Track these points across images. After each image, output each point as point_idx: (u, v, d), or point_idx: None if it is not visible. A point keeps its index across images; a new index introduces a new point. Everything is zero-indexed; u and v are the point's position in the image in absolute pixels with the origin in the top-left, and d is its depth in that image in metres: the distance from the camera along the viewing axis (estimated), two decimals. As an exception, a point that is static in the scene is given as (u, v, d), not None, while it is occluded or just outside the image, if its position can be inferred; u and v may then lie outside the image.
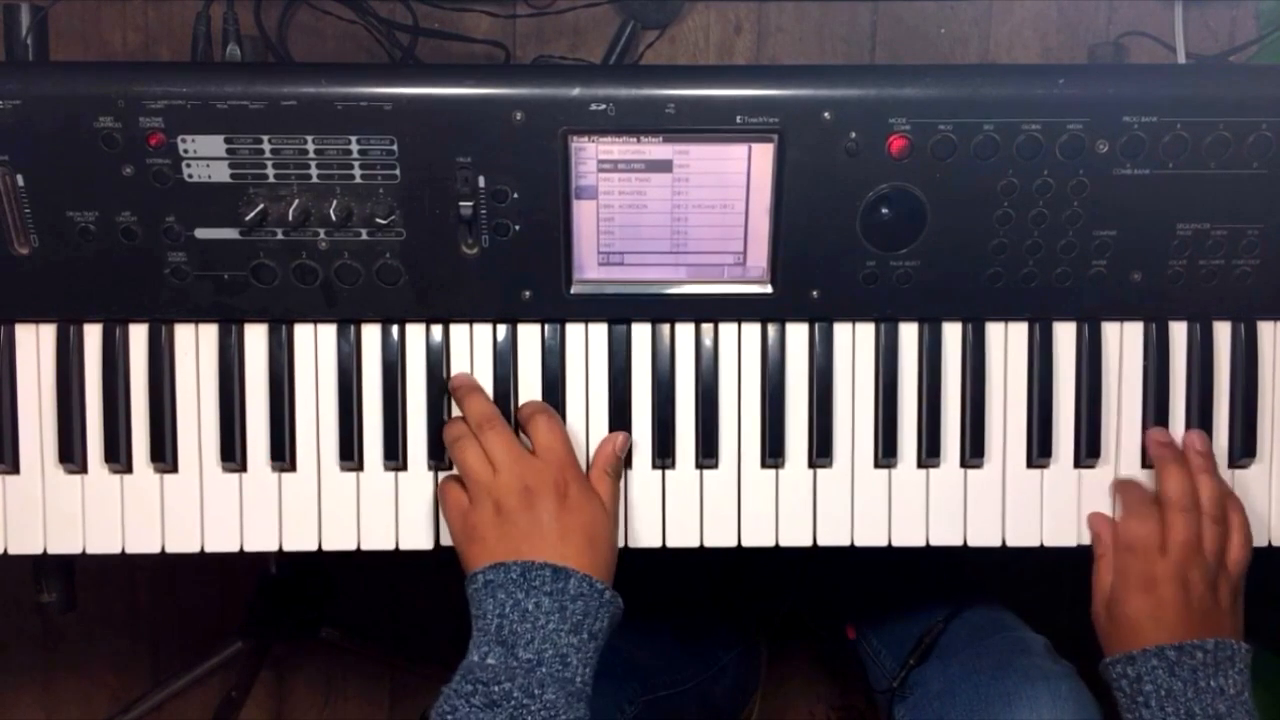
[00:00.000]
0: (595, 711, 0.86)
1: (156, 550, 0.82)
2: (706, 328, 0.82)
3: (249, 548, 0.82)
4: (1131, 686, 0.74)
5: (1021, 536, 0.83)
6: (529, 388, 0.82)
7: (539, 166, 0.76)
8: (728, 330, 0.82)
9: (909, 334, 0.82)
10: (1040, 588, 1.35)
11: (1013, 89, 0.75)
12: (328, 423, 0.82)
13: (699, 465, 0.83)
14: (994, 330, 0.83)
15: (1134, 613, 0.77)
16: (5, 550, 0.82)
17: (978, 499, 0.83)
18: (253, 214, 0.75)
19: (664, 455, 0.82)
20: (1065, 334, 0.83)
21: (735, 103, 0.75)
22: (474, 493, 0.76)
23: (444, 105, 0.74)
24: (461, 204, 0.76)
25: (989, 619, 0.97)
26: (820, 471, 0.83)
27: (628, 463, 0.82)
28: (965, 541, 0.83)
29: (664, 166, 0.77)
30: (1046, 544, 0.83)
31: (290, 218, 0.75)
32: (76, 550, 0.82)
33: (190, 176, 0.75)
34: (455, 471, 0.79)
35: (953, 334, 0.82)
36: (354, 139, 0.75)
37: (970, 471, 0.83)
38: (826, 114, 0.75)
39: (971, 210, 0.77)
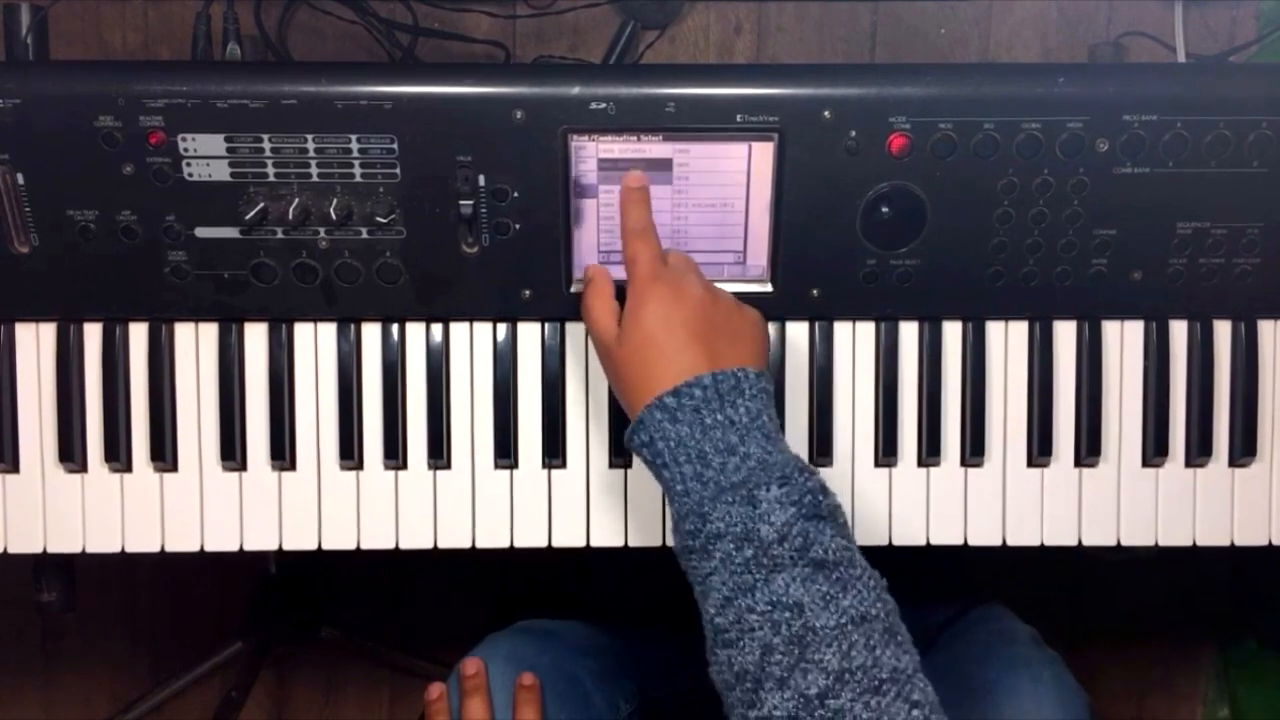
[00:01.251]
0: (594, 711, 0.86)
1: (156, 550, 0.82)
2: (707, 327, 0.82)
3: (249, 547, 0.82)
4: (649, 451, 0.68)
5: (1022, 536, 0.83)
6: (529, 387, 0.82)
7: (539, 165, 0.76)
8: (728, 329, 0.82)
9: (909, 333, 0.82)
10: (1034, 582, 1.36)
11: (1013, 88, 0.75)
12: (328, 422, 0.82)
13: (699, 464, 0.83)
14: (994, 329, 0.83)
15: (645, 325, 0.70)
16: (5, 549, 0.82)
17: (978, 498, 0.83)
18: (253, 213, 0.75)
19: (664, 454, 0.82)
20: (1065, 333, 0.83)
21: (735, 102, 0.75)
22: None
23: (444, 104, 0.74)
24: (462, 203, 0.76)
25: (979, 611, 0.97)
26: (820, 470, 0.82)
27: (628, 462, 0.82)
28: (965, 541, 0.83)
29: (664, 165, 0.77)
30: (1047, 543, 0.83)
31: (290, 217, 0.75)
32: (76, 549, 0.82)
33: (190, 175, 0.75)
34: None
35: (953, 333, 0.82)
36: (354, 138, 0.75)
37: (970, 470, 0.83)
38: (827, 113, 0.75)
39: (972, 209, 0.77)
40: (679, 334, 0.69)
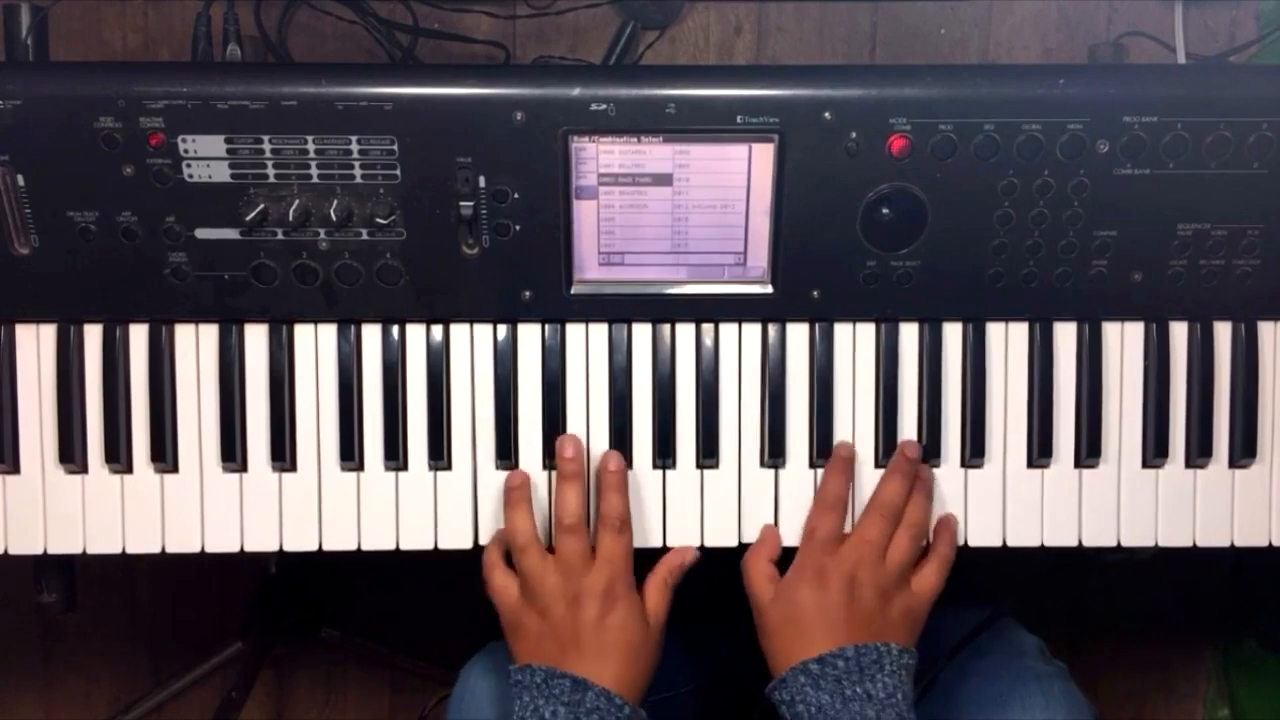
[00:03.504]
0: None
1: (157, 550, 0.82)
2: (707, 328, 0.82)
3: (249, 548, 0.82)
4: (789, 710, 0.73)
5: (1022, 537, 0.83)
6: (529, 388, 0.82)
7: (539, 166, 0.76)
8: (728, 330, 0.82)
9: (909, 334, 0.82)
10: (1034, 583, 1.36)
11: (1013, 89, 0.75)
12: (328, 423, 0.82)
13: (699, 465, 0.83)
14: (994, 330, 0.83)
15: (800, 602, 0.76)
16: (6, 550, 0.82)
17: (978, 499, 0.83)
18: (253, 214, 0.75)
19: (664, 455, 0.82)
20: (1066, 334, 0.83)
21: (736, 103, 0.75)
22: (527, 592, 0.78)
23: (445, 105, 0.74)
24: (462, 204, 0.76)
25: (985, 620, 0.96)
26: (821, 471, 0.83)
27: (629, 464, 0.82)
28: (966, 541, 0.83)
29: (664, 165, 0.77)
30: (1047, 544, 0.83)
31: (290, 218, 0.75)
32: (77, 550, 0.82)
33: (191, 176, 0.75)
34: (496, 542, 0.81)
35: (953, 334, 0.82)
36: (354, 139, 0.75)
37: (971, 471, 0.83)
38: (827, 114, 0.75)
39: (972, 210, 0.77)
40: (828, 619, 0.75)
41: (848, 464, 0.81)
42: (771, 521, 0.83)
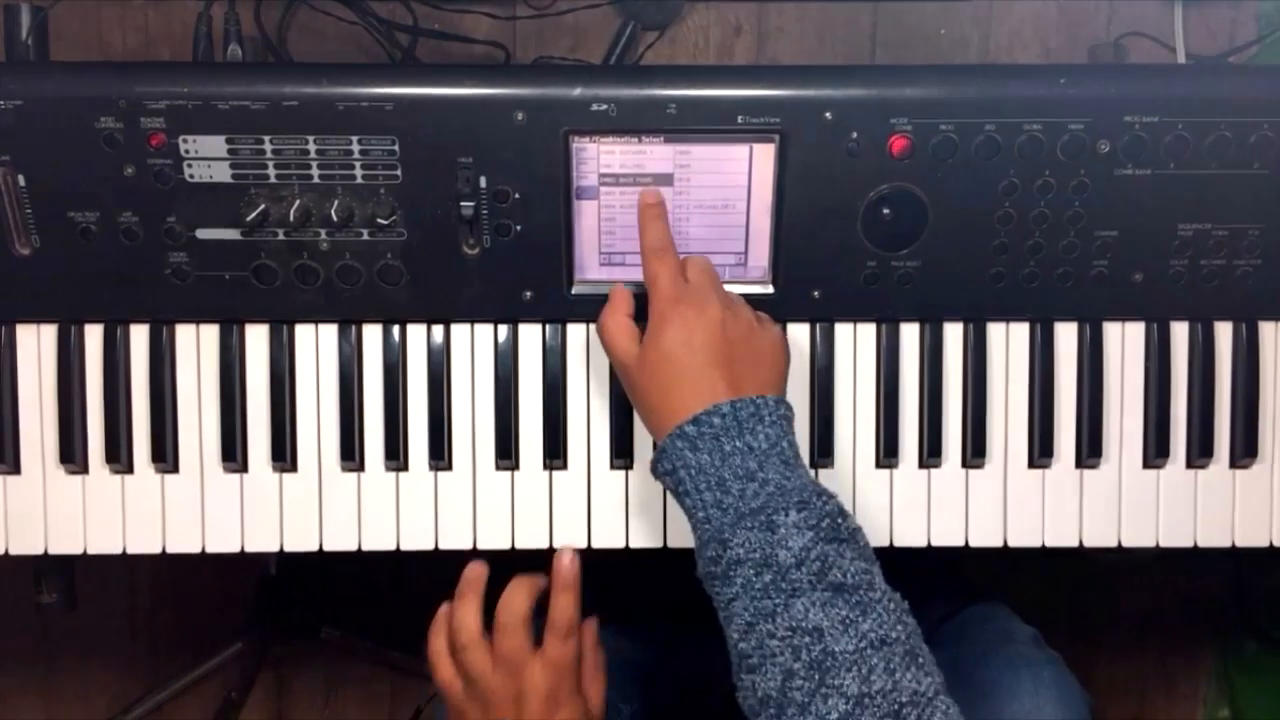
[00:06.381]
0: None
1: (157, 550, 0.82)
2: (708, 328, 0.82)
3: (250, 548, 0.82)
4: (672, 479, 0.68)
5: (1023, 537, 0.83)
6: (530, 389, 0.82)
7: (540, 167, 0.76)
8: (729, 330, 0.82)
9: (910, 334, 0.82)
10: (1035, 582, 1.36)
11: (1014, 89, 0.75)
12: (329, 423, 0.82)
13: (700, 465, 0.83)
14: (995, 330, 0.83)
15: (667, 350, 0.70)
16: (6, 550, 0.82)
17: (979, 499, 0.83)
18: (254, 214, 0.75)
19: (665, 455, 0.82)
20: (1066, 334, 0.83)
21: (736, 103, 0.75)
22: (470, 689, 0.74)
23: (445, 105, 0.74)
24: (463, 204, 0.76)
25: (980, 611, 0.97)
26: (821, 472, 0.83)
27: (629, 464, 0.82)
28: (967, 542, 0.83)
29: (665, 165, 0.77)
30: (1048, 544, 0.83)
31: (291, 218, 0.75)
32: (77, 551, 0.82)
33: (191, 177, 0.75)
34: (440, 631, 0.78)
35: (954, 334, 0.82)
36: (355, 139, 0.75)
37: (971, 472, 0.83)
38: (828, 114, 0.75)
39: (973, 210, 0.77)
40: (699, 358, 0.69)
41: (659, 209, 0.75)
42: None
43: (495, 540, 0.83)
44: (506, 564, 0.83)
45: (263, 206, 0.75)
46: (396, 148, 0.75)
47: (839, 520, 0.64)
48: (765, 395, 0.69)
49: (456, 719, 0.76)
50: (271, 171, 0.75)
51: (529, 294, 0.79)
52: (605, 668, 0.77)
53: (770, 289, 0.80)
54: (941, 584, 1.03)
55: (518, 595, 0.74)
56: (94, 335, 0.81)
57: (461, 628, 0.75)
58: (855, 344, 0.82)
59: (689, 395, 0.68)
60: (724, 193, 0.78)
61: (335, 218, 0.76)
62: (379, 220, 0.76)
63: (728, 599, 0.64)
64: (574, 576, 0.75)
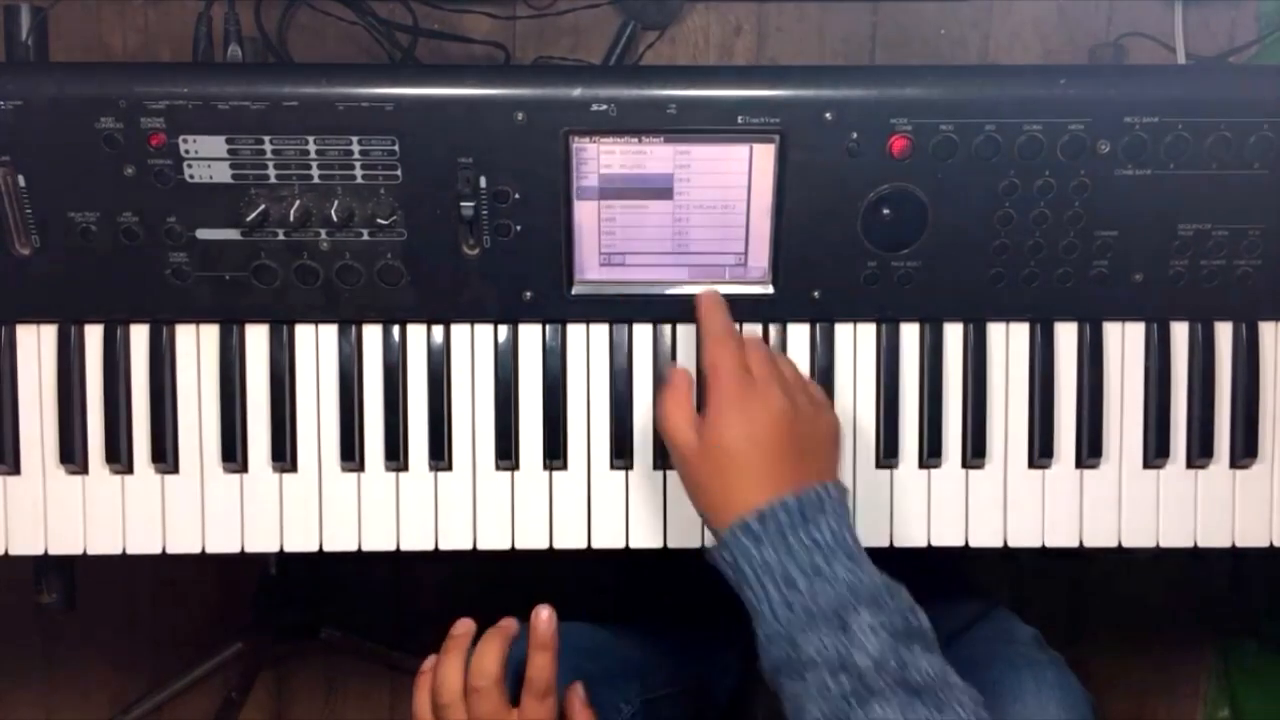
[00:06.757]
0: (597, 713, 0.86)
1: (157, 551, 0.82)
2: (708, 328, 0.82)
3: (250, 549, 0.82)
4: (733, 570, 0.68)
5: (1023, 537, 0.83)
6: (530, 389, 0.82)
7: (540, 167, 0.76)
8: (729, 331, 0.82)
9: (910, 334, 0.82)
10: (1035, 582, 1.36)
11: (1014, 89, 0.75)
12: (329, 423, 0.82)
13: (700, 466, 0.83)
14: (995, 331, 0.83)
15: (729, 443, 0.69)
16: (6, 551, 0.82)
17: (979, 499, 0.83)
18: (254, 214, 0.75)
19: (665, 456, 0.82)
20: (1067, 334, 0.83)
21: (737, 103, 0.75)
22: None
23: (446, 106, 0.74)
24: (463, 204, 0.76)
25: (979, 611, 0.97)
26: (821, 472, 0.83)
27: (629, 464, 0.82)
28: (967, 542, 0.83)
29: (665, 166, 0.77)
30: (1048, 545, 0.83)
31: (291, 218, 0.75)
32: (77, 551, 0.82)
33: (191, 177, 0.75)
34: (424, 688, 0.75)
35: (954, 334, 0.82)
36: (355, 139, 0.75)
37: (972, 472, 0.83)
38: (828, 114, 0.75)
39: (973, 211, 0.77)
40: (761, 451, 0.69)
41: (720, 298, 0.76)
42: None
43: (495, 541, 0.83)
44: (506, 564, 0.83)
45: (263, 207, 0.75)
46: (396, 148, 0.75)
47: (910, 618, 0.64)
48: (825, 483, 0.69)
49: None
50: (271, 172, 0.75)
51: (529, 294, 0.79)
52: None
53: (770, 289, 0.80)
54: (942, 585, 1.03)
55: (487, 657, 0.73)
56: (94, 335, 0.81)
57: (443, 686, 0.73)
58: (855, 344, 0.82)
59: (751, 488, 0.68)
60: (724, 193, 0.78)
61: (335, 218, 0.76)
62: (379, 220, 0.76)
63: (795, 693, 0.64)
64: (550, 635, 0.73)
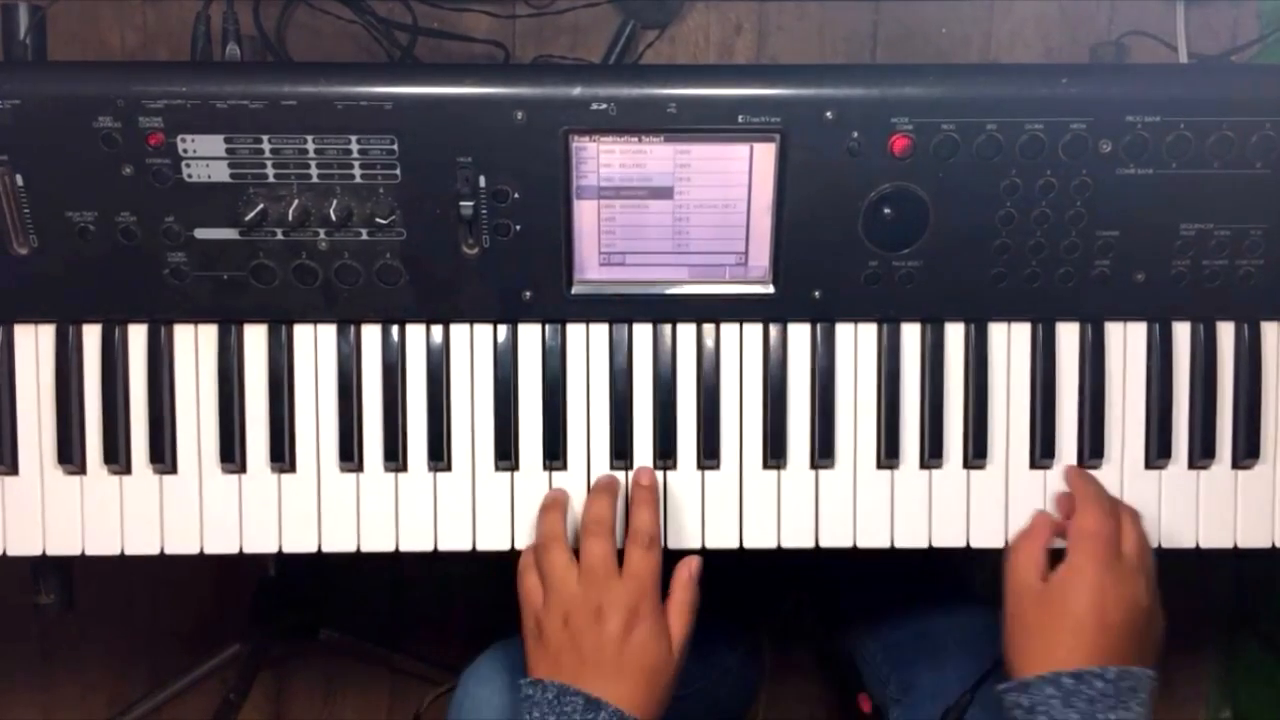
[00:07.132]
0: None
1: (156, 551, 0.82)
2: (708, 328, 0.82)
3: (249, 549, 0.82)
4: (1025, 716, 0.70)
5: (1024, 538, 0.83)
6: (529, 389, 0.82)
7: (540, 166, 0.76)
8: (729, 331, 0.82)
9: (911, 334, 0.82)
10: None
11: (1015, 88, 0.75)
12: (327, 424, 0.82)
13: (700, 466, 0.82)
14: (997, 331, 0.82)
15: (1072, 606, 0.72)
16: (4, 552, 0.81)
17: (980, 500, 0.83)
18: (252, 214, 0.75)
19: (665, 456, 0.82)
20: (1068, 335, 0.82)
21: (737, 102, 0.74)
22: (549, 596, 0.75)
23: (445, 105, 0.74)
24: (462, 204, 0.75)
25: (985, 623, 0.96)
26: (822, 473, 0.82)
27: (628, 464, 0.82)
28: (968, 543, 0.83)
29: (665, 165, 0.77)
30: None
31: (290, 218, 0.75)
32: (75, 552, 0.82)
33: (190, 176, 0.75)
34: (532, 545, 0.79)
35: (955, 334, 0.82)
36: (354, 139, 0.74)
37: (973, 473, 0.83)
38: (829, 113, 0.75)
39: (974, 210, 0.77)
40: (1101, 628, 0.71)
41: (1084, 471, 0.80)
42: (774, 523, 0.82)
43: (495, 541, 0.83)
44: (506, 564, 0.83)
45: (261, 206, 0.75)
46: (395, 147, 0.75)
47: None
48: (1146, 670, 0.70)
49: (532, 635, 0.76)
50: (270, 171, 0.75)
51: (528, 294, 0.79)
52: (695, 609, 0.77)
53: (771, 289, 0.80)
54: (942, 586, 1.03)
55: (600, 502, 0.78)
56: (92, 335, 0.81)
57: (547, 530, 0.77)
58: (856, 344, 0.82)
59: (1076, 650, 0.71)
60: (724, 192, 0.78)
61: (334, 217, 0.75)
62: (378, 220, 0.76)
63: None
64: (653, 493, 0.79)
